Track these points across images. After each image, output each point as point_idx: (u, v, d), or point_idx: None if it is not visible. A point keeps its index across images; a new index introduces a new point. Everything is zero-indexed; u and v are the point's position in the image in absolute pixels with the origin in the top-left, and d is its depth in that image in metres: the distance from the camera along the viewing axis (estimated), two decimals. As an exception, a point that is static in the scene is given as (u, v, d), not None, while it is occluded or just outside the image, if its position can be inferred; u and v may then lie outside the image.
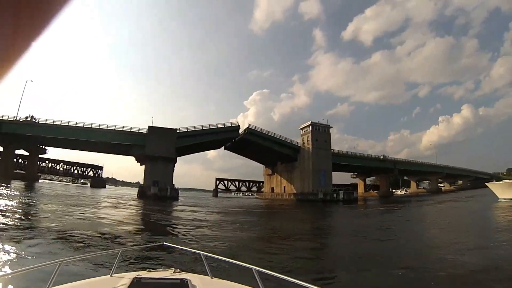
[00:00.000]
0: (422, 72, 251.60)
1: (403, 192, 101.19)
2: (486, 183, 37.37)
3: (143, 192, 53.14)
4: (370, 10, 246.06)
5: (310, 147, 67.54)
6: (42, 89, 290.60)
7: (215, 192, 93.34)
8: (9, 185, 38.39)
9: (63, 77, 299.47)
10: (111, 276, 2.82)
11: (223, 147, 71.62)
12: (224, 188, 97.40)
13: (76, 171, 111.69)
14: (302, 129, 72.63)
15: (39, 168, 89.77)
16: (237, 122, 66.22)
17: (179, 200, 50.54)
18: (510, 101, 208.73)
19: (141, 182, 59.32)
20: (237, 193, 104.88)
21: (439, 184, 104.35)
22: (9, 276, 3.36)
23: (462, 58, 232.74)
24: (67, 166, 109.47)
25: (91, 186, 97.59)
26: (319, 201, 57.99)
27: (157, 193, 51.92)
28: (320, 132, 70.24)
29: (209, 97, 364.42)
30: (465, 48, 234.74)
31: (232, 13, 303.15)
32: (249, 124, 66.01)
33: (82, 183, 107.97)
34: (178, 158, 60.82)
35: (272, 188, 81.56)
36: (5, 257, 7.25)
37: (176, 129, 59.23)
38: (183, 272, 3.06)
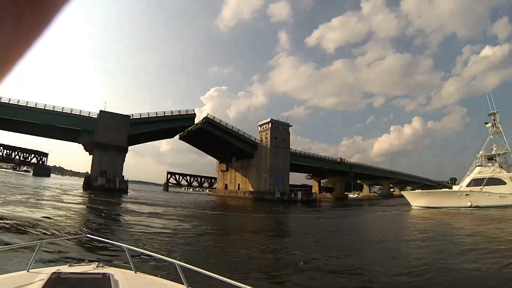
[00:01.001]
0: (379, 83, 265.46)
1: (355, 195, 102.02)
2: (401, 192, 39.73)
3: (89, 183, 47.35)
4: (337, 20, 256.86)
5: (269, 145, 64.10)
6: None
7: (166, 186, 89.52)
8: None
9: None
10: (28, 271, 2.64)
11: (177, 136, 66.19)
12: (175, 182, 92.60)
13: (17, 157, 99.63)
14: (260, 125, 69.18)
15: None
16: (193, 110, 61.41)
17: (128, 194, 45.38)
18: (456, 118, 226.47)
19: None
20: (187, 188, 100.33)
21: (390, 190, 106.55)
22: None
23: (417, 74, 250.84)
24: (8, 151, 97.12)
25: (33, 174, 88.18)
26: (276, 201, 54.86)
27: (105, 185, 46.83)
28: (280, 130, 67.22)
29: (167, 92, 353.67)
30: (421, 66, 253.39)
31: (201, 9, 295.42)
32: (208, 114, 61.22)
33: (25, 171, 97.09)
34: (129, 149, 55.54)
35: (226, 185, 77.38)
36: None
37: (129, 116, 53.21)
38: (106, 267, 2.90)
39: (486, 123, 31.56)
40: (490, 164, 28.96)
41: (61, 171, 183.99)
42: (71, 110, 50.70)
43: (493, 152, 29.48)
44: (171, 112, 57.23)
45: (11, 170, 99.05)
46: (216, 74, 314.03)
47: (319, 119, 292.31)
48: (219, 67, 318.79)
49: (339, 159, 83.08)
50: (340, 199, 77.92)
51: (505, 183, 26.26)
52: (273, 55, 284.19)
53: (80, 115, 51.11)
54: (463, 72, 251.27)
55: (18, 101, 47.72)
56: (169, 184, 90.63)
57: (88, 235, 4.01)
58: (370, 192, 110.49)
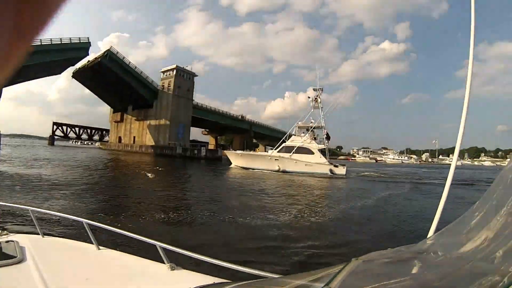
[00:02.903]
0: (283, 52, 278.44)
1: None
2: (224, 151, 42.82)
3: None
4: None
5: (171, 94, 60.82)
6: None
7: (52, 139, 78.17)
8: None
9: None
10: None
11: (67, 74, 58.83)
12: (62, 135, 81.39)
13: None
14: (164, 72, 65.54)
15: None
16: (88, 38, 52.78)
17: None
18: (346, 95, 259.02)
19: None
20: (75, 142, 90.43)
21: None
22: None
23: (321, 50, 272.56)
24: None
25: None
26: (177, 157, 51.34)
27: None
28: (184, 79, 64.79)
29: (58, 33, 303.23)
30: (326, 44, 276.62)
31: None
32: (111, 47, 54.47)
33: None
34: (4, 96, 44.05)
35: (120, 138, 71.75)
36: None
37: None
38: (11, 234, 2.69)
39: (309, 97, 33.69)
40: (303, 134, 31.25)
41: None
42: None
43: (310, 125, 31.67)
44: (60, 39, 47.72)
45: None
46: (120, 19, 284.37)
47: (217, 77, 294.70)
48: (124, 11, 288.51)
49: (240, 116, 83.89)
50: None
51: (313, 153, 28.72)
52: (184, 8, 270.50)
53: None
54: (362, 57, 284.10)
55: None
56: (55, 137, 79.47)
57: None
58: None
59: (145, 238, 2.25)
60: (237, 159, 32.50)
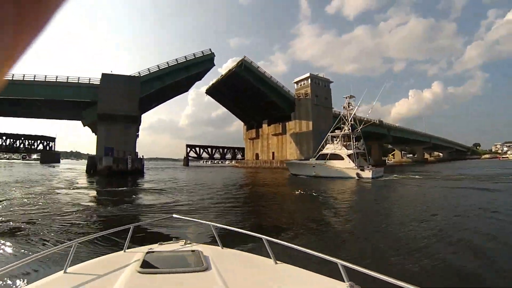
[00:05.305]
0: (400, 49, 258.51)
1: (391, 160, 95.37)
2: (285, 162, 45.24)
3: (93, 165, 37.39)
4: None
5: (310, 103, 55.72)
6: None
7: (186, 160, 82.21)
8: None
9: None
10: (124, 251, 2.81)
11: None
12: (196, 156, 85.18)
13: (22, 146, 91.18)
14: (297, 82, 60.91)
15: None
16: (210, 50, 50.04)
17: (144, 177, 33.68)
18: (477, 82, 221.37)
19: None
20: (206, 161, 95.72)
21: (428, 155, 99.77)
22: (23, 263, 2.34)
23: (440, 39, 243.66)
24: (11, 140, 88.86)
25: (41, 162, 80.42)
26: None
27: (112, 166, 36.41)
28: (320, 87, 59.00)
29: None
30: (443, 30, 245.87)
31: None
32: (244, 56, 52.16)
33: (36, 159, 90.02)
34: (144, 126, 45.94)
35: (257, 155, 69.68)
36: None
37: (137, 76, 42.49)
38: (194, 244, 3.03)
39: (343, 106, 35.61)
40: (335, 141, 33.63)
41: (77, 155, 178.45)
42: (67, 78, 40.72)
43: (337, 133, 34.06)
44: (185, 57, 46.62)
45: (20, 160, 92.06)
46: (237, 45, 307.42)
47: (339, 86, 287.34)
48: (240, 37, 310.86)
49: (377, 121, 74.93)
50: (377, 165, 69.84)
51: (343, 159, 31.08)
52: (295, 23, 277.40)
53: (78, 82, 40.74)
54: (487, 36, 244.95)
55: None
56: (189, 158, 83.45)
57: (174, 215, 3.83)
58: (402, 158, 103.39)
59: (325, 255, 2.17)
60: (292, 168, 36.24)
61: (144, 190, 18.85)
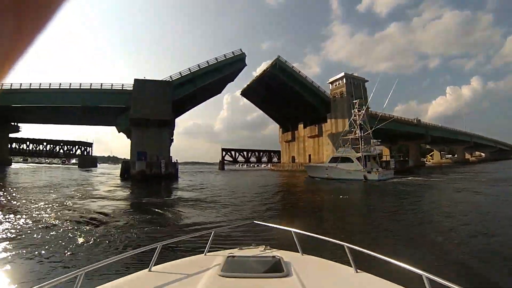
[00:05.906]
0: (435, 44, 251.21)
1: (430, 162, 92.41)
2: (304, 164, 47.44)
3: (127, 169, 38.37)
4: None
5: (345, 103, 55.67)
6: None
7: (222, 164, 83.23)
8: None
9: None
10: (205, 255, 2.92)
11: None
12: (231, 159, 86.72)
13: (61, 151, 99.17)
14: (332, 83, 60.84)
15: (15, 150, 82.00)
16: (240, 50, 50.79)
17: (178, 181, 34.08)
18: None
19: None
20: (241, 165, 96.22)
21: (470, 155, 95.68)
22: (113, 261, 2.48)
23: (476, 31, 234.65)
24: (51, 146, 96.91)
25: (78, 166, 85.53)
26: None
27: (145, 171, 37.18)
28: (355, 86, 58.57)
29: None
30: (480, 22, 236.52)
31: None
32: (278, 55, 53.23)
33: (74, 164, 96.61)
34: (180, 131, 47.88)
35: (293, 158, 70.00)
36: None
37: (169, 80, 43.80)
38: (274, 249, 3.11)
39: (353, 110, 37.05)
40: (346, 144, 35.79)
41: (114, 160, 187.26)
42: (101, 85, 43.26)
43: (347, 136, 36.38)
44: (216, 59, 47.42)
45: (60, 164, 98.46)
46: (269, 48, 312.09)
47: (373, 86, 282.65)
48: (271, 41, 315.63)
49: (415, 120, 73.38)
50: (417, 167, 67.27)
51: (352, 161, 32.88)
52: (327, 24, 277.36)
53: (112, 89, 43.14)
54: None
55: (40, 84, 42.49)
56: (225, 161, 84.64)
57: (254, 221, 4.05)
58: (441, 159, 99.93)
59: (408, 265, 2.06)
60: (309, 171, 37.78)
61: (178, 203, 15.68)
